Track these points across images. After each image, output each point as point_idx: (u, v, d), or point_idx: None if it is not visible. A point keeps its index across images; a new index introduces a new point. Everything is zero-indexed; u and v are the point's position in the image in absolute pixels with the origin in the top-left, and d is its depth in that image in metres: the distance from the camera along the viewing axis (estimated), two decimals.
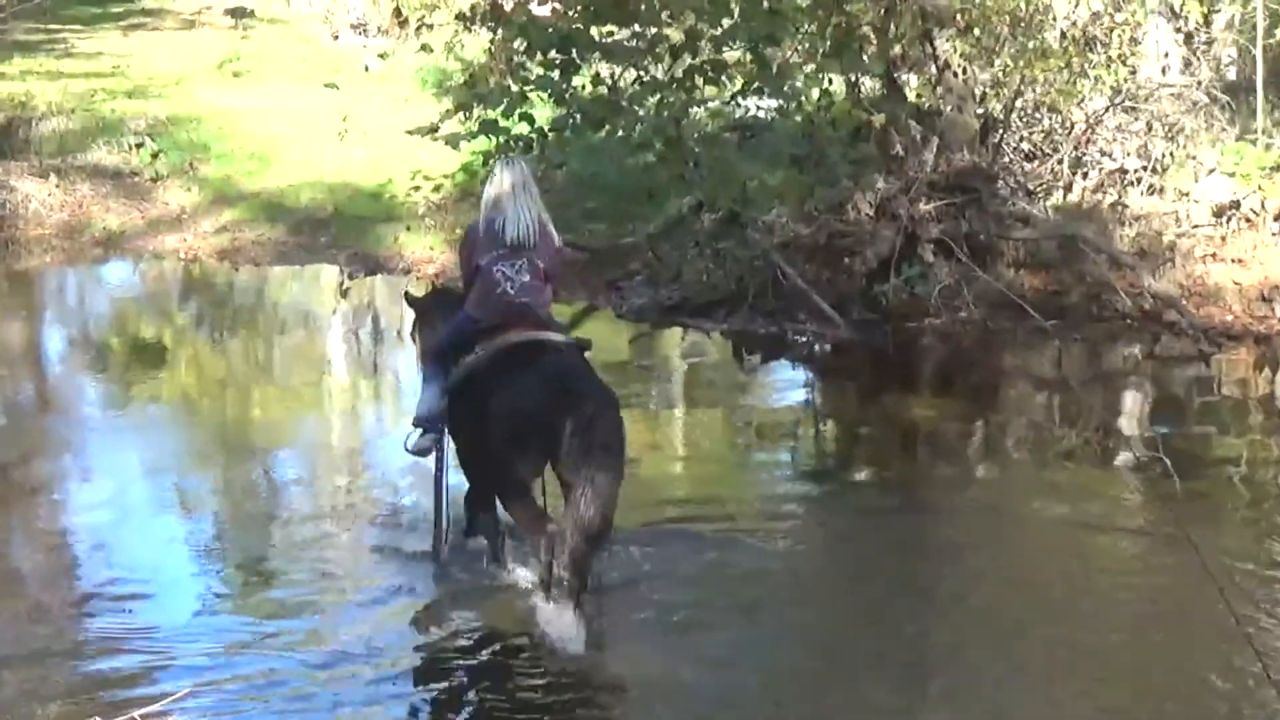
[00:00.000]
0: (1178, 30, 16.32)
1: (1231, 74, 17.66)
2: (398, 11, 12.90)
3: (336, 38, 24.73)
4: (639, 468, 8.17)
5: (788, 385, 11.77)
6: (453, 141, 12.45)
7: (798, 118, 13.59)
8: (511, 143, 12.32)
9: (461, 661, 6.16)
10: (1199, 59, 16.28)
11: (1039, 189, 14.13)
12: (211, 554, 7.45)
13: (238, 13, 26.18)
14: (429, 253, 15.45)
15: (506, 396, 6.31)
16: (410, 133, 13.19)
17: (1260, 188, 13.84)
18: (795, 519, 8.11)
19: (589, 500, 6.01)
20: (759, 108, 14.03)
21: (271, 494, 8.55)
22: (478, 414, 6.44)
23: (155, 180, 18.06)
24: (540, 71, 12.54)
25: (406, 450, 7.06)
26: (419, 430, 6.98)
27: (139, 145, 18.50)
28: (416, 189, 15.81)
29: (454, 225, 15.65)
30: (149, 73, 22.06)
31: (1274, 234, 13.48)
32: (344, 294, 14.75)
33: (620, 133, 12.29)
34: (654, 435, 9.77)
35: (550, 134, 12.35)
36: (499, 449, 6.37)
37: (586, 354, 6.71)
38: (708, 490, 8.57)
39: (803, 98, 13.02)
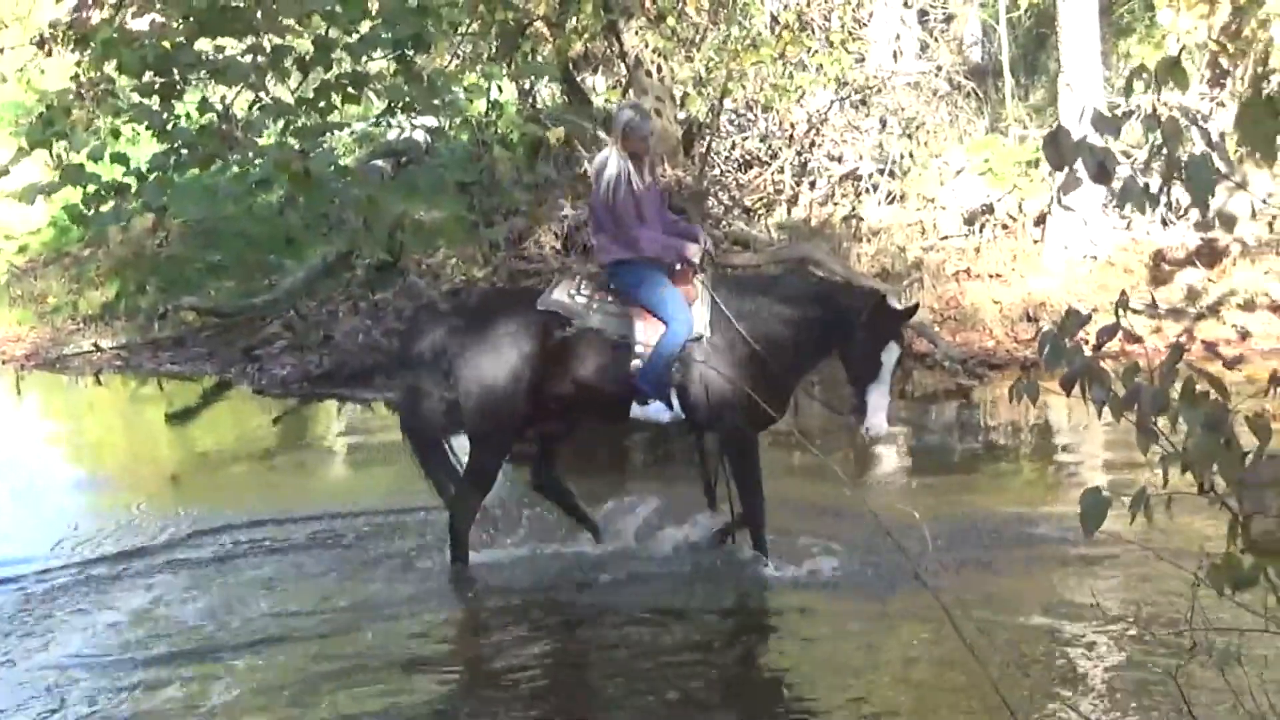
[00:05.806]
0: (907, 6, 17.00)
1: (976, 55, 18.53)
2: None
3: None
4: None
5: None
6: (27, 196, 12.02)
7: (462, 136, 13.73)
8: (104, 191, 12.08)
9: None
10: (937, 40, 17.01)
11: (758, 204, 14.65)
12: None
13: None
14: (16, 329, 15.15)
15: None
16: None
17: (1016, 187, 14.51)
18: None
19: None
20: (415, 128, 14.11)
21: None
22: None
23: None
24: (136, 99, 12.36)
25: None
26: None
27: None
28: None
29: (45, 294, 15.33)
30: None
31: (1035, 240, 14.11)
32: None
33: (235, 169, 12.21)
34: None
35: (149, 175, 12.16)
36: None
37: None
38: None
39: (465, 112, 13.14)
